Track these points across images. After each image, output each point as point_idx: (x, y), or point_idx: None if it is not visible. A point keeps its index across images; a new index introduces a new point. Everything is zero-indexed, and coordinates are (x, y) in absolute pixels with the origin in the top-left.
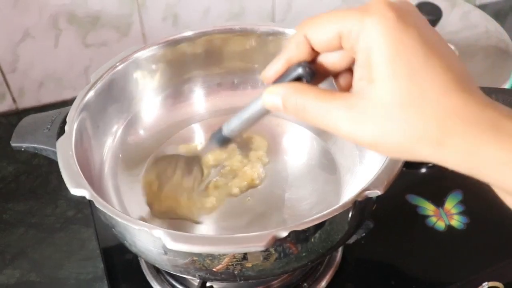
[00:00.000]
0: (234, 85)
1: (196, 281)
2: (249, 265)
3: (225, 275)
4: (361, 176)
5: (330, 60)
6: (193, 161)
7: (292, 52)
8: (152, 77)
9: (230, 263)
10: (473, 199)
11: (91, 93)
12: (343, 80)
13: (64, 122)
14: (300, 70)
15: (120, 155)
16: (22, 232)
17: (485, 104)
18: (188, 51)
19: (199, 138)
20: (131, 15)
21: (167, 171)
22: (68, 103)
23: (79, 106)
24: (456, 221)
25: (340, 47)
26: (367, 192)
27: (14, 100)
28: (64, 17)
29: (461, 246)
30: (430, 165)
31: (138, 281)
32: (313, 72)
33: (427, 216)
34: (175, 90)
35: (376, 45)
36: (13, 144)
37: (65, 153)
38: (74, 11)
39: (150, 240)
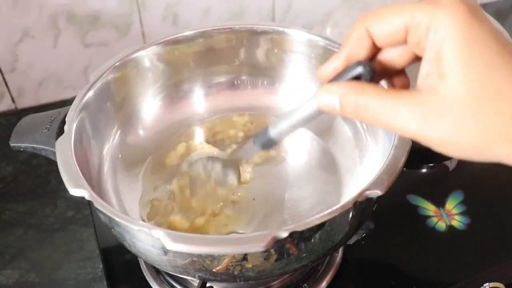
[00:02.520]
0: (234, 85)
1: (196, 282)
2: (249, 265)
3: (225, 276)
4: (361, 176)
5: (389, 57)
6: (231, 165)
7: (352, 48)
8: (152, 77)
9: (230, 264)
10: (474, 200)
11: (91, 93)
12: (398, 81)
13: (63, 122)
14: (360, 69)
15: (120, 155)
16: (21, 232)
17: None
18: (188, 50)
19: (199, 138)
20: (130, 14)
21: (201, 176)
22: (67, 103)
23: (79, 106)
24: (457, 222)
25: (404, 42)
26: (367, 193)
27: (13, 100)
28: (63, 16)
29: (462, 246)
30: (431, 165)
31: (138, 282)
32: (374, 71)
33: (428, 217)
34: (175, 90)
35: (448, 38)
36: (12, 144)
37: (64, 153)
38: (74, 11)
39: (150, 241)
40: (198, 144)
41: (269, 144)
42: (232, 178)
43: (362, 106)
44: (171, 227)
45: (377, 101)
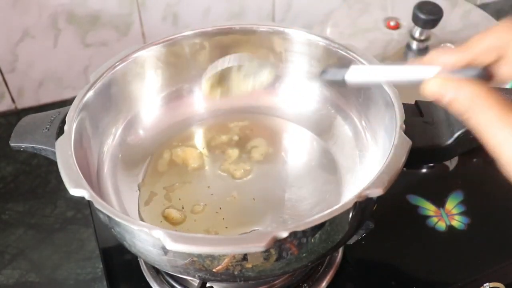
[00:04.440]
0: None
1: (196, 282)
2: (249, 265)
3: (225, 276)
4: (361, 176)
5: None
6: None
7: (479, 54)
8: (152, 77)
9: (230, 264)
10: (474, 200)
11: (91, 93)
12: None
13: (63, 122)
14: (478, 74)
15: (120, 155)
16: (21, 232)
17: None
18: (188, 50)
19: (199, 138)
20: (130, 14)
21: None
22: (67, 103)
23: (79, 106)
24: (457, 222)
25: None
26: (367, 192)
27: (13, 100)
28: (63, 16)
29: (462, 246)
30: (431, 165)
31: (138, 282)
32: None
33: (427, 217)
34: (175, 90)
35: None
36: (12, 144)
37: (64, 153)
38: (74, 11)
39: (150, 241)
40: (180, 150)
41: (336, 83)
42: (265, 73)
43: (471, 111)
44: (167, 217)
45: (487, 113)
